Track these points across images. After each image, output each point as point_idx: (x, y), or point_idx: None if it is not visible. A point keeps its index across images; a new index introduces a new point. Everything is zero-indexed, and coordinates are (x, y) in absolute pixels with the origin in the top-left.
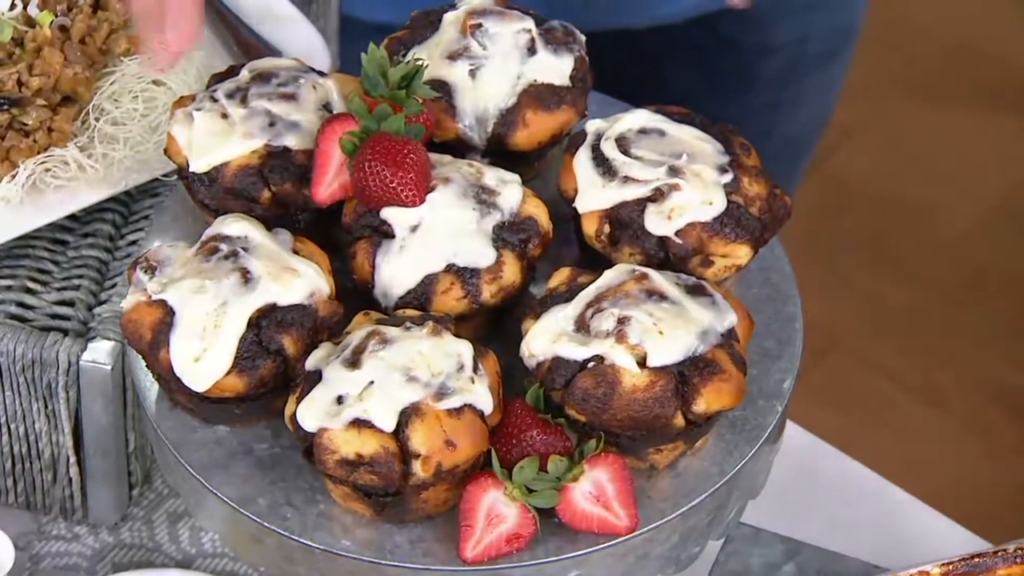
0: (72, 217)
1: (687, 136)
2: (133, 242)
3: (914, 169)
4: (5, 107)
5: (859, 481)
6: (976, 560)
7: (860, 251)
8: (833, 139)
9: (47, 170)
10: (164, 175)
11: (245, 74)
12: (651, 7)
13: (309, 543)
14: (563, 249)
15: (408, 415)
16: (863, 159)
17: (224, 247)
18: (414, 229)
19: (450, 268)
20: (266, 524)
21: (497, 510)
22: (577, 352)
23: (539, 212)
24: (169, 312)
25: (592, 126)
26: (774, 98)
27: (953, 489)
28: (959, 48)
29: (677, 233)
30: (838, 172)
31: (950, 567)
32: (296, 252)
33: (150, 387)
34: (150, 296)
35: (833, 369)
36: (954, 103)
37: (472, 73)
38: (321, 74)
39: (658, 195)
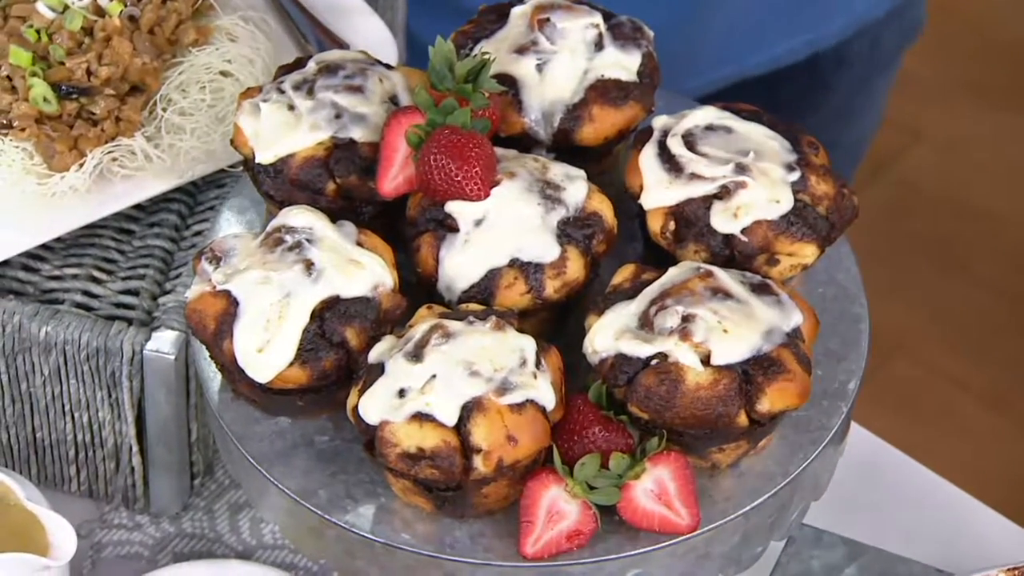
0: (138, 207)
1: (755, 133)
2: (198, 232)
3: (981, 172)
4: (74, 96)
5: (924, 484)
6: None
7: (926, 254)
8: (901, 142)
9: (114, 159)
10: (230, 166)
11: (312, 66)
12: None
13: (369, 536)
14: (628, 246)
15: (470, 409)
16: (930, 162)
17: (289, 238)
18: (478, 223)
19: (514, 263)
20: (327, 517)
21: (558, 507)
22: (641, 349)
23: (604, 208)
24: (233, 303)
25: (659, 122)
26: (848, 105)
27: (1018, 495)
28: None
29: (743, 231)
30: (905, 175)
31: (1016, 572)
32: (360, 244)
33: (213, 377)
34: (215, 286)
35: (897, 373)
36: (1023, 106)
37: (539, 68)
38: (388, 67)
39: (724, 193)
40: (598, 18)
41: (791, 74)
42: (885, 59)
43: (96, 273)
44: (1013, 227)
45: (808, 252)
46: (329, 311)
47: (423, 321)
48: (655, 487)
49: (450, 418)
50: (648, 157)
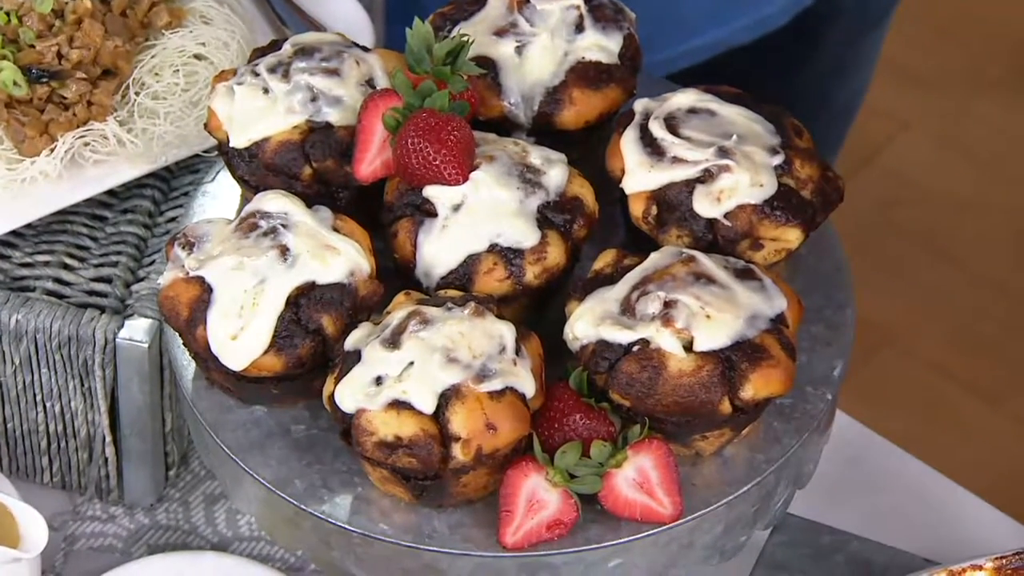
0: (111, 193)
1: (737, 117)
2: (172, 219)
3: (971, 163)
4: (45, 80)
5: (911, 473)
6: None
7: (915, 245)
8: (889, 130)
9: (86, 144)
10: (205, 151)
11: (287, 48)
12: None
13: (346, 527)
14: (609, 231)
15: (448, 397)
16: (919, 151)
17: (263, 224)
18: (457, 208)
19: (493, 248)
20: (303, 507)
21: (538, 496)
22: (622, 335)
23: (585, 192)
24: (207, 289)
25: (640, 105)
26: (839, 60)
27: (1006, 485)
28: (1020, 42)
29: (726, 215)
30: (894, 164)
31: (1003, 561)
32: (336, 230)
33: (187, 366)
34: (188, 273)
35: (886, 364)
36: (1014, 96)
37: (518, 50)
38: (365, 49)
39: (707, 176)
40: None
41: (779, 31)
42: (875, 15)
43: (68, 260)
44: (1003, 218)
45: (792, 236)
46: (304, 297)
47: (400, 307)
48: (637, 476)
49: (428, 406)
50: (629, 140)
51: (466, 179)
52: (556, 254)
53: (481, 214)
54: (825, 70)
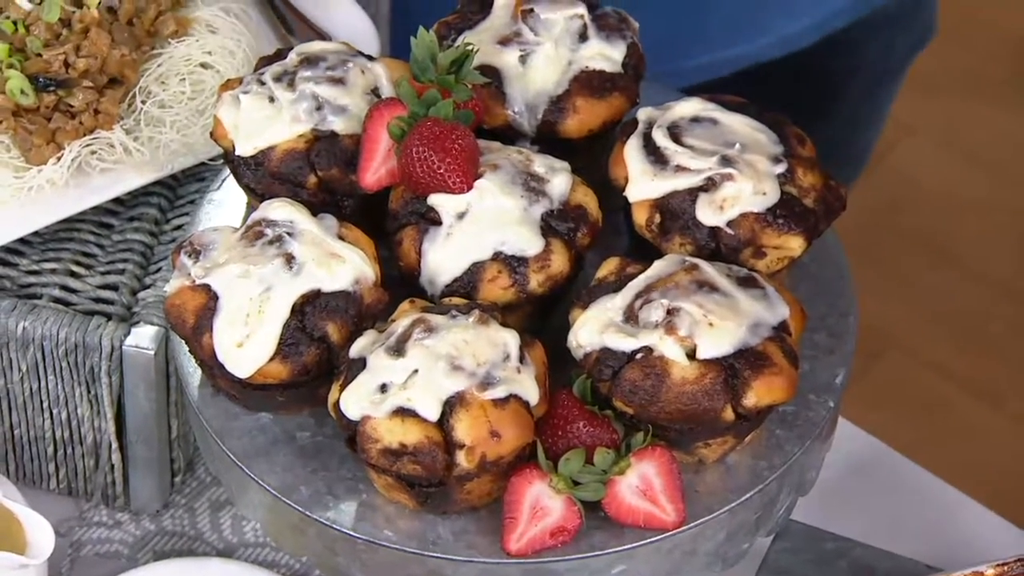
0: (117, 201)
1: (740, 125)
2: (179, 227)
3: (975, 166)
4: (52, 88)
5: (913, 480)
6: None
7: (919, 249)
8: (893, 134)
9: (93, 153)
10: (211, 159)
11: (293, 57)
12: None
13: (351, 533)
14: (613, 239)
15: (452, 405)
16: (924, 155)
17: (269, 232)
18: (461, 216)
19: (497, 256)
20: (308, 513)
21: (542, 503)
22: (625, 343)
23: (588, 200)
24: (213, 297)
25: (643, 114)
26: (856, 112)
27: (1010, 489)
28: (1023, 44)
29: (729, 224)
30: (898, 168)
31: (1005, 568)
32: (341, 238)
33: (193, 373)
34: (194, 280)
35: (889, 369)
36: (1017, 99)
37: (522, 59)
38: (370, 58)
39: (710, 185)
40: (582, 8)
41: (804, 77)
42: (896, 65)
43: (75, 268)
44: (1006, 220)
45: (795, 244)
46: (310, 305)
47: (405, 315)
48: (640, 483)
49: (432, 413)
50: (633, 149)
51: (470, 187)
52: (560, 262)
53: (485, 222)
54: (843, 124)
